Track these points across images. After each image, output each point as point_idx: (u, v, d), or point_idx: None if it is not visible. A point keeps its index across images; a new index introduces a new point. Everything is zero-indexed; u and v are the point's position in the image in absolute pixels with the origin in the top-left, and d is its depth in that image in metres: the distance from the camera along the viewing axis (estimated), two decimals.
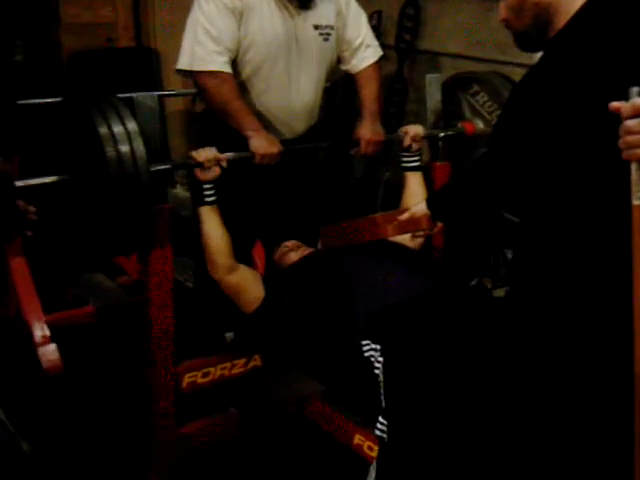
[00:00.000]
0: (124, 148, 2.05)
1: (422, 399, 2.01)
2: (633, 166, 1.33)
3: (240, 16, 2.53)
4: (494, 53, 4.02)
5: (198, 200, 2.38)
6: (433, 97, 2.88)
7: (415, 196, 2.67)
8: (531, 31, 1.71)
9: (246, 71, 2.63)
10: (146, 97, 2.31)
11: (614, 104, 1.33)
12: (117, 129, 2.06)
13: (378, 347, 2.12)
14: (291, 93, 2.69)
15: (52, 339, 2.90)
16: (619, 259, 1.50)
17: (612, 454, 1.64)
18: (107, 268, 3.52)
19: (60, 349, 2.86)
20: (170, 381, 2.42)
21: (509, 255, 3.32)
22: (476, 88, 2.88)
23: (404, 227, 2.28)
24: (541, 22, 1.66)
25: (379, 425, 2.00)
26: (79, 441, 2.67)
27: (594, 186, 1.58)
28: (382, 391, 2.05)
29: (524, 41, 1.78)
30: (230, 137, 2.52)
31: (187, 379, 2.47)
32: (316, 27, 2.66)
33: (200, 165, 2.33)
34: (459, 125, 2.88)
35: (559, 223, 1.65)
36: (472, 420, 2.01)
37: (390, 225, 2.30)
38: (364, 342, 2.15)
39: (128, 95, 2.32)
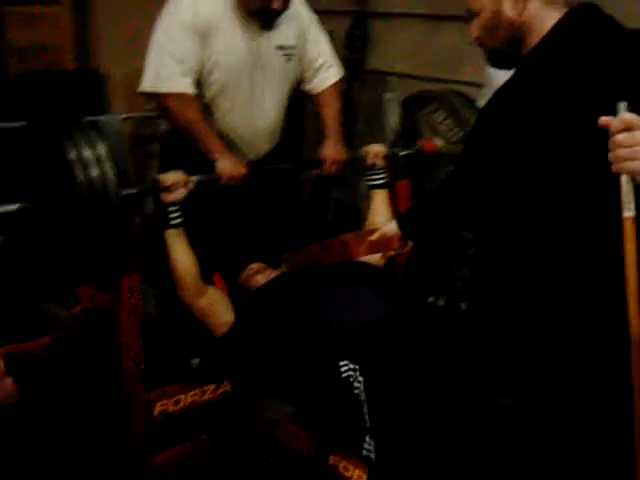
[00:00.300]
0: (94, 172, 2.02)
1: (407, 415, 2.02)
2: (623, 179, 1.36)
3: (204, 37, 2.52)
4: (441, 72, 4.10)
5: (164, 223, 2.34)
6: (392, 116, 2.91)
7: (381, 213, 2.69)
8: (505, 49, 1.73)
9: (211, 92, 2.62)
10: (111, 120, 2.27)
11: (603, 119, 1.36)
12: (86, 153, 2.03)
13: (357, 367, 2.11)
14: (255, 113, 2.69)
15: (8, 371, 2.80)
16: (605, 271, 1.53)
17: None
18: (60, 298, 3.44)
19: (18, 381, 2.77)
20: (142, 409, 2.37)
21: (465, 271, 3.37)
22: (434, 106, 2.91)
23: (376, 247, 2.28)
24: (515, 40, 1.68)
25: (366, 445, 2.00)
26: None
27: (567, 200, 1.61)
28: (365, 410, 2.04)
29: (497, 59, 1.80)
30: (193, 158, 2.50)
31: (159, 407, 2.42)
32: (279, 47, 2.67)
33: (167, 189, 2.30)
34: (418, 144, 2.90)
35: (539, 240, 1.68)
36: (456, 429, 2.03)
37: (362, 245, 2.30)
38: (342, 363, 2.14)
39: (94, 118, 2.27)
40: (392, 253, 2.31)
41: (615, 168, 1.36)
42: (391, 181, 2.83)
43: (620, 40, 1.63)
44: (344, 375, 2.14)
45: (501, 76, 2.89)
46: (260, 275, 2.57)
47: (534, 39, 1.66)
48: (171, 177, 2.32)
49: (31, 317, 3.20)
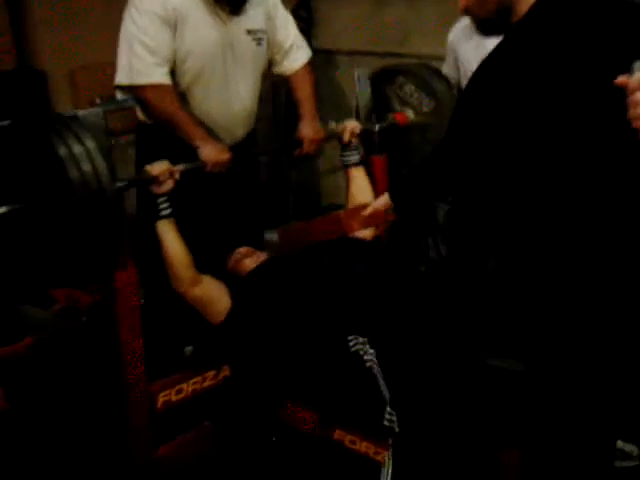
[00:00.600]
0: (86, 167, 1.98)
1: (425, 382, 2.04)
2: None
3: (174, 26, 2.50)
4: (390, 47, 4.14)
5: (154, 215, 2.32)
6: (363, 92, 2.92)
7: (362, 190, 2.72)
8: (494, 17, 1.75)
9: (185, 80, 2.60)
10: (91, 114, 2.23)
11: (621, 79, 1.39)
12: (76, 149, 1.99)
13: (365, 339, 2.13)
14: (230, 99, 2.68)
15: None
16: (625, 232, 1.58)
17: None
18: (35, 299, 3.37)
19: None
20: (145, 402, 2.36)
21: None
22: (402, 80, 2.94)
23: (369, 221, 2.31)
24: (504, 8, 1.71)
25: (387, 416, 2.01)
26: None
27: (574, 160, 1.65)
28: (381, 382, 2.05)
29: (487, 27, 1.82)
30: (171, 147, 2.49)
31: (161, 398, 2.40)
32: (249, 32, 2.66)
33: (155, 179, 2.28)
34: (391, 117, 2.92)
35: (552, 205, 1.71)
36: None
37: (355, 221, 2.32)
38: (349, 337, 2.15)
39: (72, 113, 2.23)
40: (386, 226, 2.32)
41: (637, 124, 1.40)
42: (366, 156, 2.85)
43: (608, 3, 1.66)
44: (353, 349, 2.15)
45: (463, 45, 2.98)
46: (249, 259, 2.57)
47: (523, 6, 1.69)
48: (157, 168, 2.30)
49: (10, 319, 3.14)
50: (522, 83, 1.66)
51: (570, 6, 1.65)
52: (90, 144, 2.02)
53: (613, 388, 1.75)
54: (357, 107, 3.01)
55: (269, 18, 2.75)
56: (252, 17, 2.66)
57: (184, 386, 2.46)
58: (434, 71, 2.95)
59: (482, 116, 1.78)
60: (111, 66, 4.54)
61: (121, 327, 2.26)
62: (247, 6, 2.62)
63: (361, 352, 2.12)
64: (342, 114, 3.22)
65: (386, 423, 2.03)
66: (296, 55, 2.86)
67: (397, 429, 2.01)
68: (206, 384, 2.51)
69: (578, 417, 1.78)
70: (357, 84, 2.93)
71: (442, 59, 3.28)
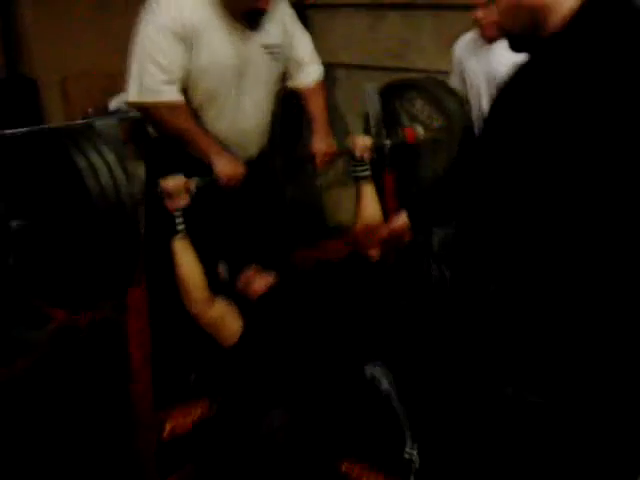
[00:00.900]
0: (105, 180, 1.93)
1: (448, 412, 2.00)
2: None
3: (188, 43, 2.43)
4: (387, 61, 4.13)
5: (170, 231, 2.25)
6: (373, 107, 2.90)
7: (371, 205, 2.67)
8: (525, 32, 1.71)
9: (199, 98, 2.54)
10: (107, 124, 2.17)
11: None
12: (96, 160, 1.94)
13: (382, 367, 2.08)
14: (245, 115, 2.63)
15: None
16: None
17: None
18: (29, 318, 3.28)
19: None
20: (153, 429, 2.29)
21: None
22: (413, 95, 2.91)
23: (387, 241, 2.27)
24: (535, 23, 1.67)
25: (407, 449, 1.96)
26: None
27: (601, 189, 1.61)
28: (400, 411, 2.01)
29: (517, 42, 1.79)
30: (183, 162, 2.42)
31: (169, 426, 2.34)
32: (265, 47, 2.61)
33: (169, 194, 2.23)
34: (401, 133, 2.90)
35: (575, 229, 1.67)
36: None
37: (372, 240, 2.29)
38: (366, 365, 2.11)
39: (87, 121, 2.17)
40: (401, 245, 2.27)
41: None
42: (377, 172, 2.81)
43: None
44: (369, 377, 2.10)
45: (470, 59, 2.98)
46: (257, 281, 2.50)
47: (554, 21, 1.65)
48: (172, 182, 2.24)
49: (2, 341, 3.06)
50: (548, 103, 1.63)
51: (607, 22, 1.62)
52: (109, 156, 1.96)
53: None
54: (367, 122, 2.98)
55: (285, 33, 2.71)
56: (269, 32, 2.61)
57: (191, 413, 2.39)
58: (446, 87, 2.94)
59: (504, 135, 1.75)
60: (103, 75, 4.55)
61: (131, 346, 2.20)
62: (264, 21, 2.57)
63: (377, 381, 2.07)
64: (340, 127, 3.18)
65: (406, 456, 1.98)
66: (309, 70, 2.83)
67: (418, 464, 1.95)
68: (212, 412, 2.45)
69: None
70: (367, 99, 2.90)
71: (437, 73, 3.27)
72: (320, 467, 2.25)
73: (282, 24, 2.68)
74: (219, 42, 2.49)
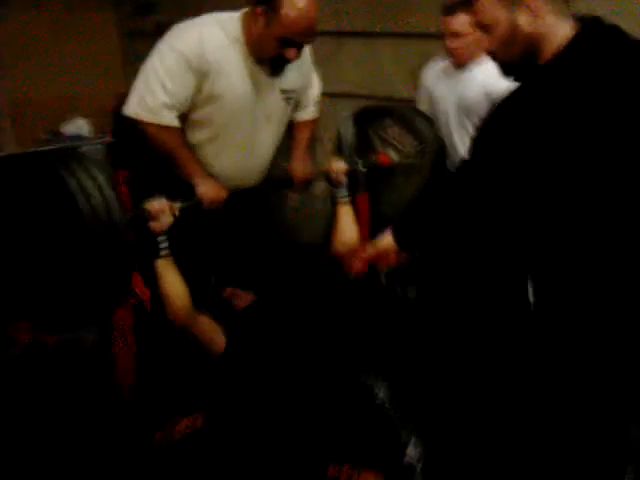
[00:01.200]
0: (96, 201, 1.92)
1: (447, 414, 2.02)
2: None
3: (205, 76, 2.42)
4: (350, 88, 4.17)
5: (153, 253, 2.26)
6: (347, 133, 2.94)
7: (349, 228, 2.75)
8: (519, 61, 1.75)
9: (203, 133, 2.55)
10: (93, 148, 2.16)
11: None
12: (87, 183, 1.93)
13: (375, 377, 2.11)
14: (251, 154, 2.65)
15: None
16: None
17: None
18: None
19: None
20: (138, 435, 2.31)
21: None
22: (387, 122, 2.97)
23: (373, 262, 2.29)
24: (530, 52, 1.72)
25: (409, 453, 1.98)
26: None
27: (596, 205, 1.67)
28: (396, 419, 2.03)
29: (510, 70, 1.82)
30: (166, 184, 2.43)
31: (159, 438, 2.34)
32: (283, 91, 2.63)
33: (154, 216, 2.24)
34: (373, 158, 2.94)
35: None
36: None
37: (357, 261, 2.30)
38: (361, 375, 2.13)
39: (73, 146, 2.15)
40: (392, 267, 2.29)
41: None
42: (352, 195, 2.84)
43: (632, 50, 1.71)
44: (363, 385, 2.12)
45: (439, 85, 3.04)
46: (240, 298, 2.53)
47: (548, 50, 1.70)
48: (156, 205, 2.26)
49: None
50: (541, 128, 1.68)
51: (598, 54, 1.68)
52: (100, 177, 1.96)
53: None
54: (339, 146, 3.01)
55: (303, 78, 2.73)
56: (288, 77, 2.60)
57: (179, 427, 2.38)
58: (418, 112, 3.00)
59: (496, 158, 1.80)
60: (55, 101, 4.49)
61: (118, 365, 2.20)
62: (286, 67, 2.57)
63: (371, 388, 2.10)
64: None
65: (407, 460, 2.00)
66: (311, 107, 2.86)
67: (419, 467, 1.97)
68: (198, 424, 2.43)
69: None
70: (341, 126, 2.95)
71: (399, 101, 3.37)
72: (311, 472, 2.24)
73: (301, 69, 2.68)
74: (238, 82, 2.49)
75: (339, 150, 3.06)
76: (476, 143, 1.96)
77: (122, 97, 4.02)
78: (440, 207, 2.08)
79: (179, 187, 2.48)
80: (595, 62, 1.67)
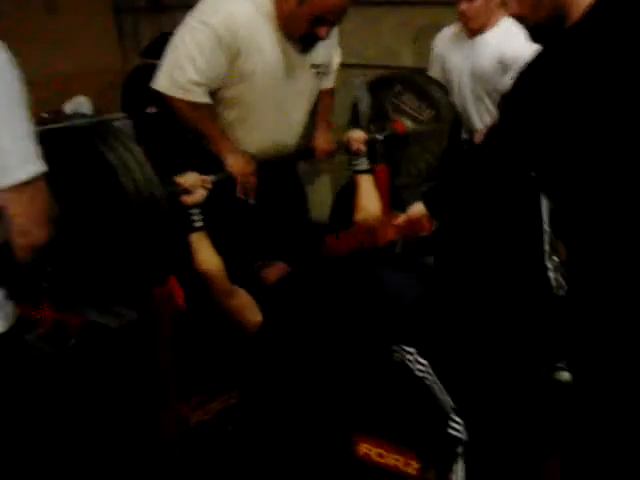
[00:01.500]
0: (138, 175, 1.91)
1: (488, 388, 2.04)
2: None
3: (237, 53, 2.38)
4: (349, 58, 4.16)
5: (187, 227, 2.25)
6: (363, 102, 2.94)
7: (370, 197, 2.72)
8: (546, 23, 1.73)
9: (236, 112, 2.52)
10: (123, 123, 2.15)
11: None
12: (127, 157, 1.91)
13: (412, 350, 2.11)
14: (284, 131, 2.64)
15: None
16: None
17: None
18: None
19: None
20: (177, 421, 2.31)
21: None
22: (399, 88, 2.97)
23: (404, 230, 2.30)
24: (557, 15, 1.70)
25: (453, 424, 1.99)
26: None
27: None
28: (439, 391, 2.04)
29: (538, 33, 1.83)
30: (198, 160, 2.45)
31: (194, 418, 2.37)
32: (313, 66, 2.61)
33: (187, 190, 2.22)
34: (391, 126, 2.95)
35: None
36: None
37: (389, 230, 2.32)
38: (395, 348, 2.13)
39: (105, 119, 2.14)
40: (423, 235, 2.30)
41: None
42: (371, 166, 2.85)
43: None
44: (397, 360, 2.13)
45: (451, 53, 3.04)
46: (268, 270, 2.53)
47: (575, 13, 1.68)
48: (188, 179, 2.24)
49: None
50: (573, 91, 1.69)
51: (626, 12, 1.68)
52: (138, 153, 1.94)
53: None
54: (354, 115, 3.01)
55: (330, 52, 2.71)
56: (318, 52, 2.59)
57: (213, 404, 2.42)
58: (432, 79, 3.00)
59: (529, 124, 1.80)
60: (56, 81, 4.44)
61: (158, 342, 2.20)
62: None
63: (408, 362, 2.10)
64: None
65: (451, 432, 2.00)
66: (330, 77, 2.83)
67: (465, 437, 1.98)
68: (231, 402, 2.46)
69: (619, 428, 1.80)
70: (357, 94, 2.94)
71: (398, 68, 3.38)
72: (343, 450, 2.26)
73: (329, 44, 2.65)
74: (270, 59, 2.46)
75: (354, 120, 3.07)
76: (505, 108, 1.97)
77: (126, 73, 4.03)
78: (472, 173, 2.09)
79: (204, 161, 2.47)
80: (623, 20, 1.67)
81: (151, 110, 3.46)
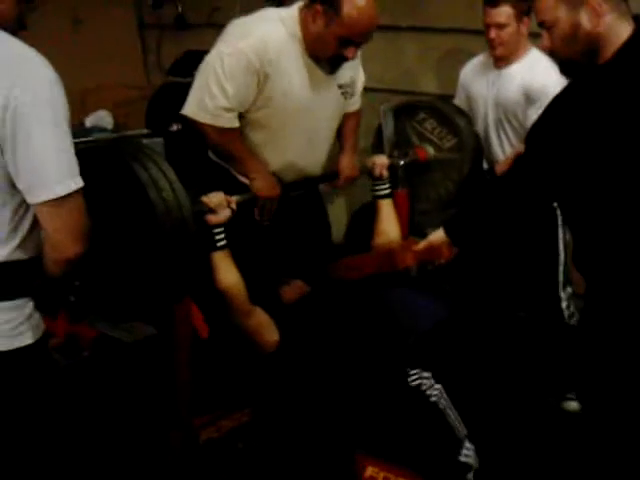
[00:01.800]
0: (169, 196, 1.93)
1: (500, 416, 2.05)
2: None
3: (265, 78, 2.40)
4: (371, 83, 4.19)
5: (210, 246, 2.27)
6: (388, 127, 2.97)
7: (390, 221, 2.76)
8: (579, 59, 1.77)
9: (263, 135, 2.55)
10: (153, 142, 2.17)
11: None
12: (158, 176, 1.94)
13: (429, 375, 2.13)
14: (310, 153, 2.65)
15: None
16: None
17: None
18: None
19: None
20: (189, 437, 2.32)
21: None
22: (423, 115, 2.99)
23: (424, 256, 2.32)
24: (590, 51, 1.74)
25: (465, 451, 2.01)
26: None
27: None
28: (452, 417, 2.05)
29: (569, 68, 1.85)
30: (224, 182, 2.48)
31: (204, 435, 2.37)
32: (340, 86, 2.62)
33: (212, 210, 2.25)
34: (413, 152, 2.98)
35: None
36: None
37: (409, 255, 2.34)
38: (412, 372, 2.15)
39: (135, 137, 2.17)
40: (442, 261, 2.32)
41: None
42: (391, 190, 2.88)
43: None
44: (414, 384, 2.15)
45: (476, 83, 3.07)
46: (288, 288, 2.56)
47: (609, 50, 1.72)
48: (214, 198, 2.27)
49: None
50: (602, 126, 1.71)
51: None
52: (169, 171, 1.96)
53: None
54: (378, 140, 3.04)
55: (354, 72, 2.71)
56: (344, 73, 2.60)
57: (224, 423, 2.43)
58: (455, 107, 3.03)
59: (555, 155, 1.83)
60: (76, 94, 4.47)
61: (177, 359, 2.21)
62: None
63: (423, 387, 2.12)
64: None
65: (462, 459, 2.01)
66: (356, 98, 2.82)
67: (476, 464, 1.99)
68: (243, 420, 2.48)
69: (626, 458, 1.81)
70: (382, 119, 2.96)
71: (422, 94, 3.42)
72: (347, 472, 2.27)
73: (353, 64, 2.64)
74: (298, 81, 2.47)
75: (378, 144, 3.09)
76: (532, 139, 1.97)
77: (151, 89, 4.05)
78: (494, 202, 2.11)
79: (228, 181, 2.52)
80: None
81: (176, 128, 3.51)
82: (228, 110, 2.41)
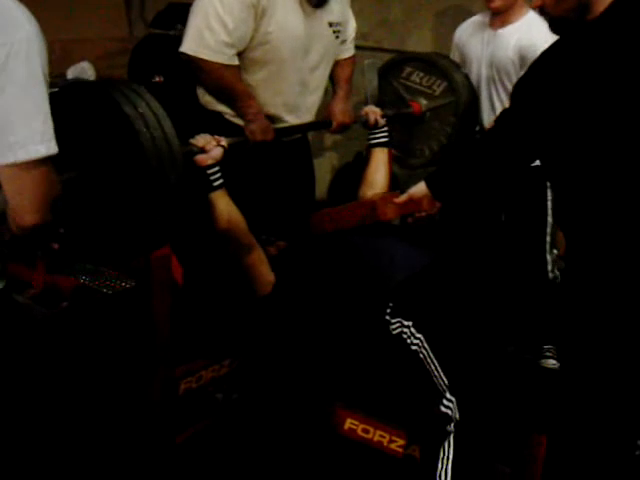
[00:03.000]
0: (156, 132, 1.89)
1: (480, 367, 2.05)
2: None
3: (263, 13, 2.42)
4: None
5: (206, 188, 2.26)
6: (371, 82, 2.96)
7: (381, 171, 2.74)
8: (570, 16, 1.73)
9: (261, 75, 2.56)
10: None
11: None
12: (147, 112, 1.89)
13: (410, 324, 2.12)
14: (306, 93, 2.67)
15: None
16: None
17: None
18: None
19: None
20: (169, 388, 2.30)
21: None
22: (408, 70, 3.00)
23: (404, 209, 2.31)
24: (581, 7, 1.71)
25: (445, 402, 1.99)
26: None
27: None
28: (433, 367, 2.04)
29: (560, 25, 1.81)
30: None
31: (184, 385, 2.34)
32: (330, 24, 2.64)
33: (202, 149, 2.23)
34: (405, 107, 3.00)
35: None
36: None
37: (390, 207, 2.33)
38: (393, 320, 2.14)
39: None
40: (422, 214, 2.31)
41: None
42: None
43: None
44: (395, 332, 2.14)
45: (470, 43, 3.05)
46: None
47: (599, 7, 1.69)
48: (200, 139, 2.25)
49: None
50: (588, 82, 1.69)
51: None
52: (158, 108, 1.92)
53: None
54: (366, 97, 3.02)
55: (344, 11, 2.74)
56: (333, 10, 2.63)
57: (203, 373, 2.40)
58: (437, 53, 3.09)
59: (539, 111, 1.81)
60: (60, 46, 4.39)
61: (154, 304, 2.18)
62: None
63: (404, 336, 2.11)
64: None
65: (443, 409, 2.00)
66: (349, 45, 2.86)
67: (457, 416, 1.98)
68: (223, 371, 2.46)
69: (603, 412, 1.81)
70: (366, 75, 2.96)
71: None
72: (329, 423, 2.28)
73: (342, 3, 2.69)
74: (291, 16, 2.50)
75: (367, 101, 3.08)
76: (517, 94, 1.97)
77: (132, 42, 3.98)
78: (477, 156, 2.10)
79: (214, 130, 2.47)
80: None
81: (159, 79, 3.46)
82: (229, 46, 2.41)
